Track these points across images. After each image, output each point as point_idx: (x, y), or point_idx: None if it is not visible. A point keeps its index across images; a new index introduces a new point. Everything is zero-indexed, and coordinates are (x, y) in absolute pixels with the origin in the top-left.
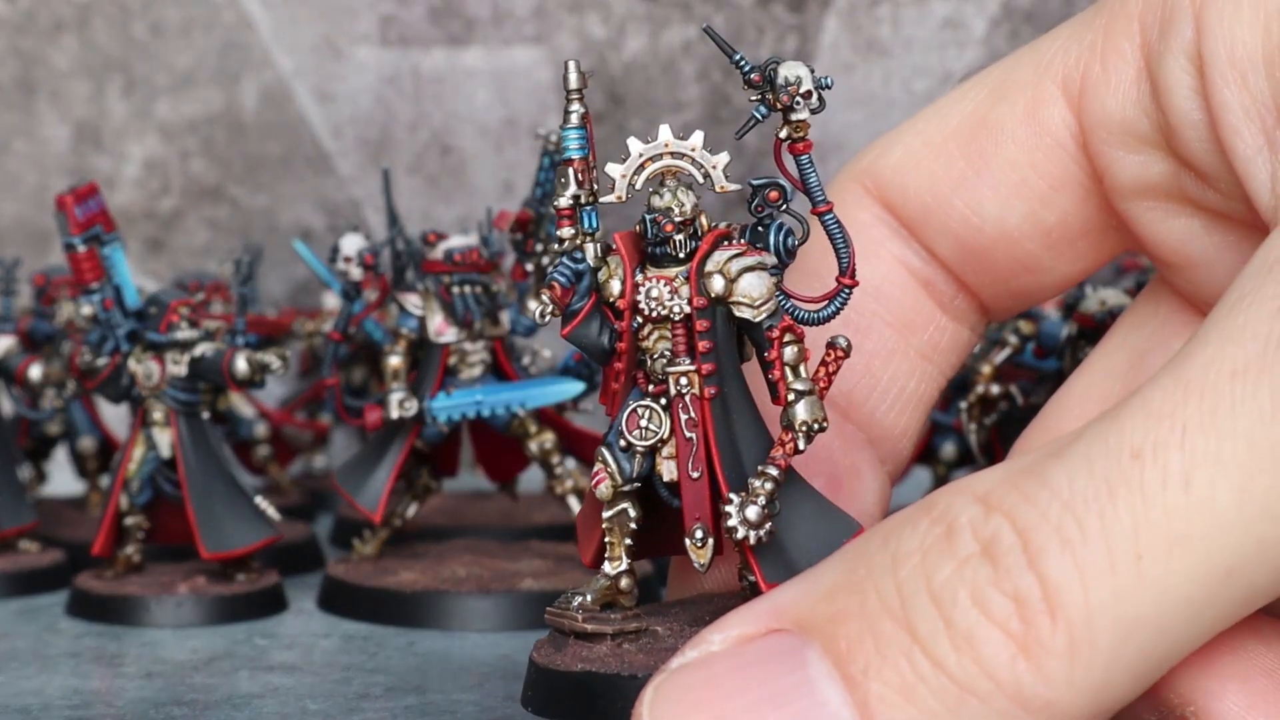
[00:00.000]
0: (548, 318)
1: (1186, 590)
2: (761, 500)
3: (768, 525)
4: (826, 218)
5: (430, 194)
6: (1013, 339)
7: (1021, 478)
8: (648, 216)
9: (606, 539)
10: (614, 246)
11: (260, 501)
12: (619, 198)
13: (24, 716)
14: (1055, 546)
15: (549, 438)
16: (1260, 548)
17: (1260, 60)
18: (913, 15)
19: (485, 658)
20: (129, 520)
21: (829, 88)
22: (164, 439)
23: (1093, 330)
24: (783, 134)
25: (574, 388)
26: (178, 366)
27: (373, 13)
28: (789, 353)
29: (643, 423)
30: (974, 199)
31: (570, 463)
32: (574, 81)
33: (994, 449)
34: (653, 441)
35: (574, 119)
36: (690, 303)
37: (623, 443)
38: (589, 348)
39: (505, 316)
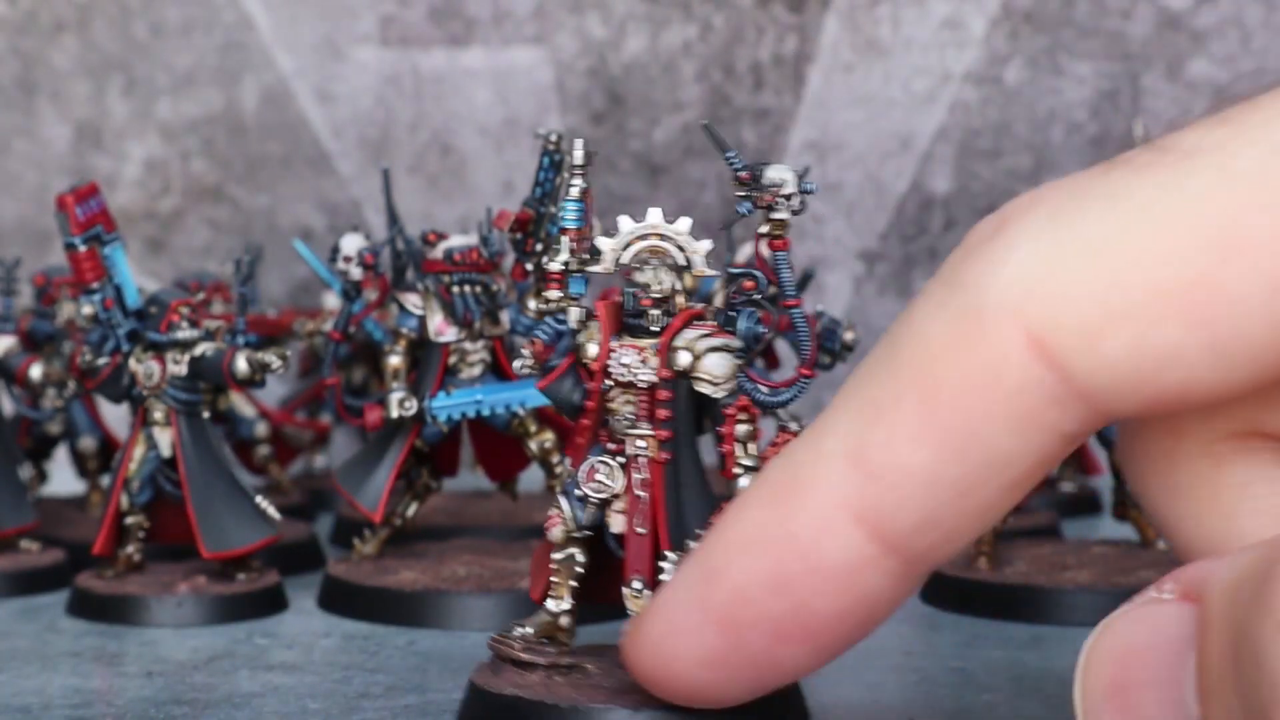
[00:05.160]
0: (526, 371)
1: None
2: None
3: None
4: (794, 312)
5: (430, 194)
6: None
7: None
8: (628, 290)
9: (553, 579)
10: (595, 313)
11: (261, 501)
12: (606, 269)
13: (25, 715)
14: None
15: (549, 437)
16: None
17: None
18: (913, 15)
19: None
20: (129, 520)
21: (812, 192)
22: (164, 438)
23: None
24: (763, 229)
25: None
26: (178, 366)
27: (373, 13)
28: (741, 430)
29: (599, 477)
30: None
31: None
32: (579, 159)
33: None
34: (606, 495)
35: (575, 192)
36: (657, 373)
37: (579, 492)
38: (560, 402)
39: (505, 316)
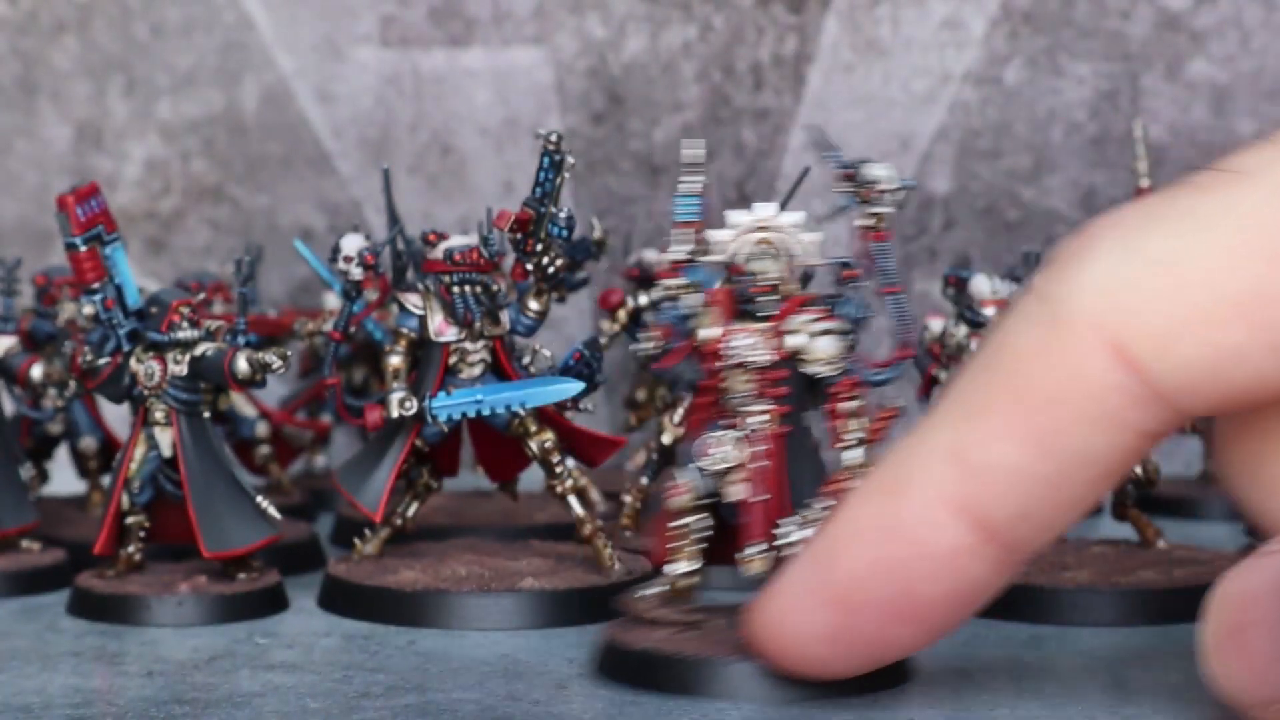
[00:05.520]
0: (651, 352)
1: None
2: (817, 525)
3: None
4: (895, 298)
5: (430, 194)
6: None
7: None
8: (741, 278)
9: (678, 543)
10: (712, 299)
11: (262, 501)
12: (720, 259)
13: (25, 715)
14: None
15: (549, 437)
16: None
17: None
18: (913, 15)
19: (486, 657)
20: (130, 519)
21: (912, 188)
22: (165, 438)
23: None
24: (864, 223)
25: (574, 387)
26: (179, 366)
27: (373, 13)
28: (848, 406)
29: (718, 450)
30: None
31: (570, 462)
32: (693, 158)
33: None
34: (725, 467)
35: (693, 188)
36: (773, 354)
37: (699, 464)
38: (681, 381)
39: (505, 316)
